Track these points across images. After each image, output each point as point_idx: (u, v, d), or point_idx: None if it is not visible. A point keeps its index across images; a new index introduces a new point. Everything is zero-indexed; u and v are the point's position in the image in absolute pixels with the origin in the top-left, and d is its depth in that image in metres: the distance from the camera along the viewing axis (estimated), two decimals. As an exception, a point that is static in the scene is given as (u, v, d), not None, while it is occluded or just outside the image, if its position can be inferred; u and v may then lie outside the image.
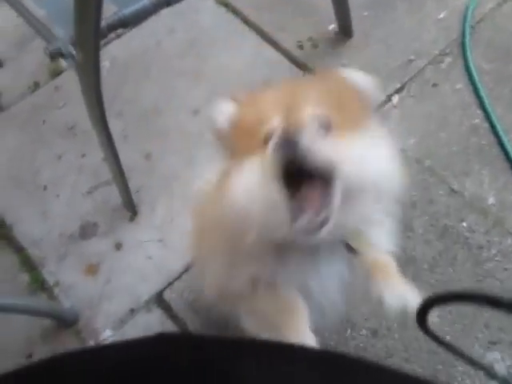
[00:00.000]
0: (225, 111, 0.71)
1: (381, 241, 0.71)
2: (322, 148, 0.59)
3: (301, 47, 1.73)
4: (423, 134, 1.57)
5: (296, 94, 0.66)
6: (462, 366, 1.22)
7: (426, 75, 1.69)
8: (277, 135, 0.60)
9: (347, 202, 0.62)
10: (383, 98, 1.64)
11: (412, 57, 1.73)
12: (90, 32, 0.85)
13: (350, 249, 0.70)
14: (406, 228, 1.41)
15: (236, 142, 0.69)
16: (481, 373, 1.21)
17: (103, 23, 0.98)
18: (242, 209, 0.63)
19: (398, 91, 1.66)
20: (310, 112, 0.63)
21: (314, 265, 0.71)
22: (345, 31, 1.76)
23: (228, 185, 0.65)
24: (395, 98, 1.64)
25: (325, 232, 0.59)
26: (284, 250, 0.68)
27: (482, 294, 0.49)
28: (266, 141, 0.63)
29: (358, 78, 0.74)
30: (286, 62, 1.74)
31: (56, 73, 1.77)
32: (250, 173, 0.63)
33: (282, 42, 1.77)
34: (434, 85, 1.67)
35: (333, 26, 1.79)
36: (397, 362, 1.25)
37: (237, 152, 0.68)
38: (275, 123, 0.63)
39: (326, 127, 0.63)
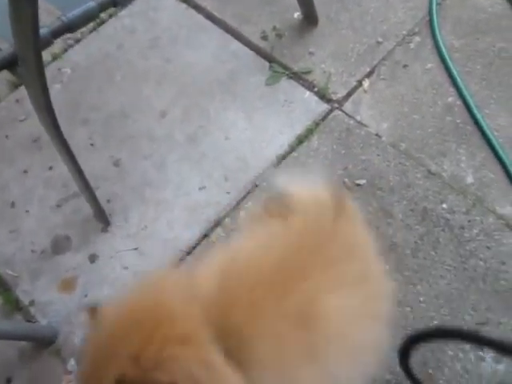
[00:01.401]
0: None
1: None
2: None
3: (265, 38, 1.69)
4: (396, 118, 1.54)
5: None
6: (452, 351, 1.20)
7: (396, 57, 1.66)
8: None
9: None
10: (353, 83, 1.61)
11: (380, 39, 1.69)
12: (30, 43, 0.80)
13: None
14: (385, 215, 1.39)
15: None
16: (471, 355, 1.19)
17: (46, 30, 0.93)
18: None
19: (368, 75, 1.63)
20: None
21: None
22: (310, 18, 1.72)
23: None
24: (366, 83, 1.61)
25: None
26: None
27: (456, 329, 0.48)
28: None
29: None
30: (252, 55, 1.69)
31: (15, 85, 1.71)
32: None
33: (247, 34, 1.73)
34: (405, 66, 1.63)
35: (297, 14, 1.75)
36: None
37: None
38: None
39: None
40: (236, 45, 1.73)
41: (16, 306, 1.36)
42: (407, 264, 1.32)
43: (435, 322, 1.25)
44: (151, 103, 1.64)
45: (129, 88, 1.68)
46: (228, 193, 1.46)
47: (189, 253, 1.38)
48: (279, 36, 1.69)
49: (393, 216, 1.39)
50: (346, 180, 1.44)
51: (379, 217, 1.39)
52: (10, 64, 0.90)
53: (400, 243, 1.35)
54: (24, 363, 1.30)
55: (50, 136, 1.08)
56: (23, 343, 1.30)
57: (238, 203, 1.44)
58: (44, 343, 1.30)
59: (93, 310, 0.75)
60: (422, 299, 1.27)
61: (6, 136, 1.62)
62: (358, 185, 1.43)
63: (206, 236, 1.40)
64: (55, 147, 1.14)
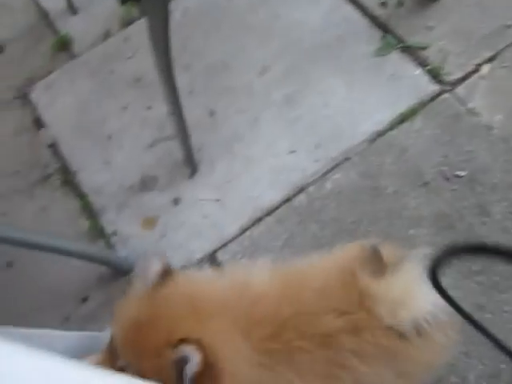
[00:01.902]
0: None
1: None
2: None
3: (384, 4, 1.58)
4: (513, 111, 1.41)
5: None
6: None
7: (525, 44, 1.50)
8: None
9: None
10: (471, 66, 1.48)
11: (510, 22, 1.53)
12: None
13: None
14: (481, 212, 1.29)
15: None
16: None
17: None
18: None
19: (489, 60, 1.49)
20: None
21: None
22: (435, -10, 1.59)
23: None
24: (485, 68, 1.47)
25: None
26: None
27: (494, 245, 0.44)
28: None
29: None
30: (364, 22, 1.60)
31: (127, 22, 1.75)
32: None
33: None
34: (533, 56, 1.48)
35: (422, -16, 1.62)
36: (454, 355, 1.17)
37: None
38: None
39: None
40: (349, 9, 1.64)
41: (100, 233, 1.44)
42: (496, 269, 1.23)
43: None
44: (253, 58, 1.61)
45: (234, 39, 1.66)
46: (317, 161, 1.42)
47: (268, 214, 1.38)
48: (399, 4, 1.58)
49: (490, 215, 1.29)
50: (445, 168, 1.35)
51: (474, 213, 1.30)
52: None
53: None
54: (100, 286, 1.38)
55: (160, 71, 1.09)
56: (102, 268, 1.38)
57: (326, 173, 1.40)
58: (121, 272, 1.38)
59: (167, 269, 0.76)
60: (506, 309, 1.19)
61: (112, 71, 1.68)
62: (458, 176, 1.34)
63: (288, 200, 1.38)
64: (162, 83, 1.15)
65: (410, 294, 0.73)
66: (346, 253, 0.80)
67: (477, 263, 1.24)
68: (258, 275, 0.77)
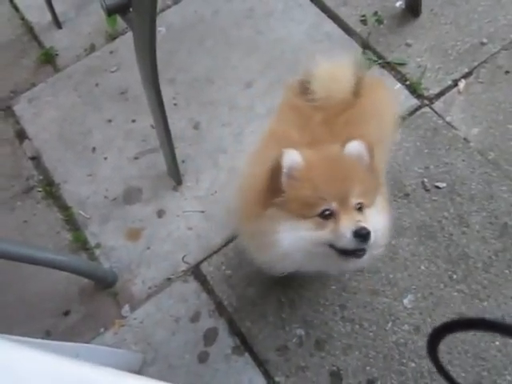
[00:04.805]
0: (292, 162, 0.88)
1: None
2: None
3: (364, 22, 1.63)
4: (489, 125, 1.46)
5: (344, 184, 0.89)
6: (510, 375, 1.14)
7: (499, 61, 1.56)
8: (348, 226, 0.86)
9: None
10: (448, 82, 1.53)
11: (484, 40, 1.59)
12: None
13: None
14: (461, 223, 1.32)
15: (290, 198, 0.88)
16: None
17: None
18: (288, 255, 0.92)
19: (465, 76, 1.54)
20: (354, 202, 0.89)
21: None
22: (412, 8, 1.64)
23: (278, 234, 0.90)
24: (462, 84, 1.53)
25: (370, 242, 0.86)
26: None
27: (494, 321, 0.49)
28: (322, 215, 0.88)
29: (363, 150, 0.93)
30: (345, 38, 1.65)
31: (112, 37, 1.77)
32: (305, 233, 0.89)
33: (344, 17, 1.68)
34: (507, 72, 1.54)
35: (400, 3, 1.68)
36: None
37: (288, 208, 0.89)
38: (333, 207, 0.88)
39: (360, 210, 0.90)
40: (331, 25, 1.69)
41: (83, 245, 1.42)
42: (476, 278, 1.26)
43: (496, 344, 1.18)
44: (237, 73, 1.64)
45: (218, 55, 1.69)
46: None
47: (253, 225, 1.38)
48: (379, 22, 1.63)
49: (469, 226, 1.32)
50: (425, 180, 1.39)
51: (454, 224, 1.33)
52: (124, 8, 0.92)
53: (472, 255, 1.28)
54: (82, 300, 1.36)
55: (145, 84, 1.10)
56: (84, 282, 1.37)
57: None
58: (103, 285, 1.36)
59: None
60: (487, 317, 1.21)
61: (97, 84, 1.68)
62: (437, 187, 1.37)
63: (272, 212, 1.39)
64: (147, 96, 1.16)
65: (340, 71, 1.04)
66: None
67: (458, 272, 1.27)
68: None
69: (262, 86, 1.61)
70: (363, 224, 0.85)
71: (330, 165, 0.91)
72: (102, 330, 1.31)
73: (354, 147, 0.92)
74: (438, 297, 1.24)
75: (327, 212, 0.87)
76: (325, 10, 1.72)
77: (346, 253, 0.89)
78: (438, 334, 0.55)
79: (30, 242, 1.42)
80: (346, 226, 0.85)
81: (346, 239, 0.85)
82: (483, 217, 1.33)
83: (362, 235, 0.84)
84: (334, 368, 1.19)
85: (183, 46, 1.72)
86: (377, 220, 0.92)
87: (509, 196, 1.34)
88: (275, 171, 0.88)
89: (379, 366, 1.18)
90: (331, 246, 0.89)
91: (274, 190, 0.88)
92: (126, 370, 1.19)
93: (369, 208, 0.92)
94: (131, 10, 0.96)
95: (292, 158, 0.87)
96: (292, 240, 0.89)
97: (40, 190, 1.52)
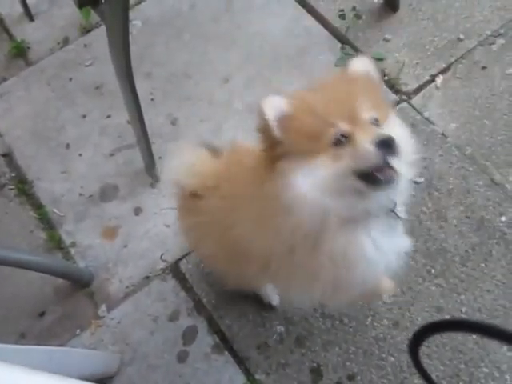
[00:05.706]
0: (276, 107, 0.75)
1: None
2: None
3: (342, 17, 1.62)
4: (466, 120, 1.47)
5: (348, 100, 0.75)
6: (486, 368, 1.15)
7: (475, 56, 1.57)
8: (366, 141, 0.71)
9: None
10: (426, 77, 1.54)
11: (461, 36, 1.60)
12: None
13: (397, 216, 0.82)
14: (439, 217, 1.33)
15: (293, 141, 0.75)
16: (506, 376, 1.14)
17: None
18: (315, 201, 0.74)
19: (443, 72, 1.55)
20: (367, 116, 0.75)
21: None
22: (391, 4, 1.64)
23: (293, 181, 0.74)
24: (439, 79, 1.54)
25: (398, 182, 0.74)
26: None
27: (475, 322, 0.48)
28: (335, 143, 0.73)
29: (369, 66, 0.82)
30: (324, 33, 1.64)
31: (87, 30, 1.72)
32: (323, 170, 0.73)
33: (323, 12, 1.67)
34: (483, 68, 1.55)
35: (378, -2, 1.68)
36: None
37: (293, 150, 0.75)
38: (344, 128, 0.73)
39: (376, 125, 0.77)
40: (310, 20, 1.67)
41: (58, 244, 1.39)
42: (454, 271, 1.27)
43: (473, 337, 1.20)
44: (215, 67, 1.62)
45: (195, 49, 1.66)
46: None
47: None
48: (357, 17, 1.63)
49: (447, 220, 1.33)
50: (404, 175, 1.39)
51: (432, 218, 1.34)
52: (95, 0, 0.89)
53: (450, 249, 1.29)
54: (58, 300, 1.33)
55: (120, 79, 1.07)
56: (59, 282, 1.33)
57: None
58: (79, 285, 1.33)
59: None
60: (463, 310, 1.22)
61: (70, 79, 1.64)
62: (416, 182, 1.38)
63: (251, 208, 1.38)
64: (122, 91, 1.13)
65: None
66: None
67: (436, 266, 1.28)
68: None
69: (240, 81, 1.59)
70: (385, 132, 0.73)
71: (329, 87, 0.79)
72: (78, 331, 1.28)
73: (359, 63, 0.81)
74: (417, 291, 1.25)
75: (340, 137, 0.73)
76: (304, 4, 1.71)
77: (376, 180, 0.73)
78: (419, 338, 0.55)
79: (3, 242, 1.38)
80: (365, 139, 0.72)
81: (370, 154, 0.71)
82: (460, 211, 1.34)
83: (387, 143, 0.71)
84: (315, 364, 1.19)
85: (160, 40, 1.69)
86: (398, 130, 0.80)
87: (485, 190, 1.36)
88: (263, 129, 0.76)
89: (359, 361, 1.18)
90: (358, 176, 0.74)
91: (271, 145, 0.77)
92: (103, 372, 1.17)
93: (386, 122, 0.79)
94: (103, 1, 0.93)
95: (274, 105, 0.74)
96: (312, 185, 0.74)
97: (12, 187, 1.48)
